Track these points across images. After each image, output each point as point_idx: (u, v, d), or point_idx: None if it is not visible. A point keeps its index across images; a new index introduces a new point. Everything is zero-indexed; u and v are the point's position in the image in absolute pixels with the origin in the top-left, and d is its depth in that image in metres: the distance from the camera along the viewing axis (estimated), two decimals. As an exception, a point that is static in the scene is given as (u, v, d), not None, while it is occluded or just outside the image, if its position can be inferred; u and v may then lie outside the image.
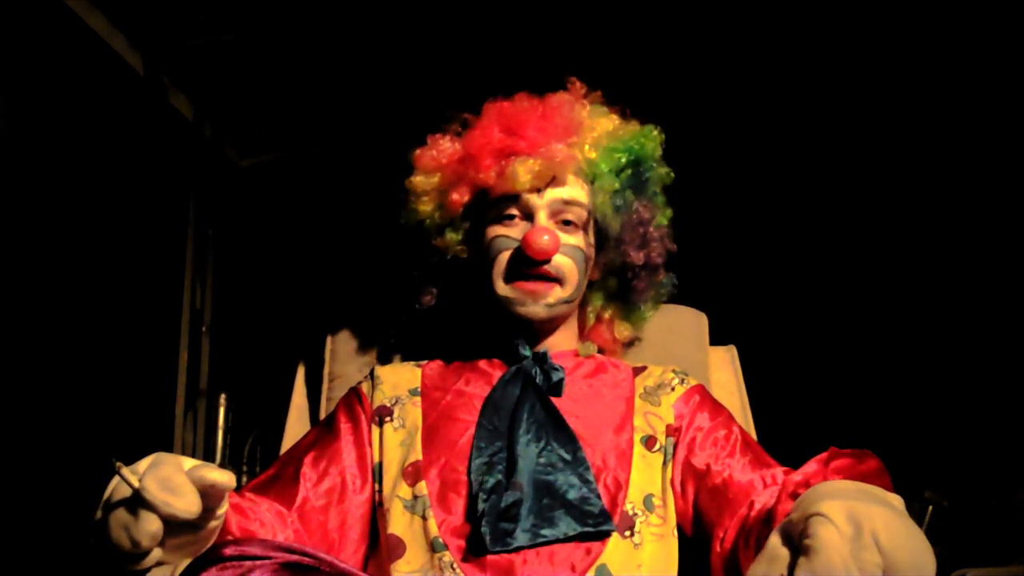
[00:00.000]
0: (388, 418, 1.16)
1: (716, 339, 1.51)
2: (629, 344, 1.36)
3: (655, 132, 1.27)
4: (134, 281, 2.60)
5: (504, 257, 1.17)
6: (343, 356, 1.46)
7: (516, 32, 2.62)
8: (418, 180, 1.27)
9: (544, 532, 1.01)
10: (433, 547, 1.03)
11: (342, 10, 2.52)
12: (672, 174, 1.29)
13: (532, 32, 2.62)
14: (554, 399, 1.14)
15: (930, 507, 2.38)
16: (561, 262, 1.17)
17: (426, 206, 1.27)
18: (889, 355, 2.93)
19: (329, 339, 1.49)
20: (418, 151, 1.28)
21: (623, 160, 1.24)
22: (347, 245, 2.95)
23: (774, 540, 0.75)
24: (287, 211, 3.24)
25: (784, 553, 0.74)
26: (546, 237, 1.13)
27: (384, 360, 1.43)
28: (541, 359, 1.16)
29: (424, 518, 1.06)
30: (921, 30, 2.57)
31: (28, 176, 2.15)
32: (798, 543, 0.72)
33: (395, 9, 2.55)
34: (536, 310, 1.16)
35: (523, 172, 1.16)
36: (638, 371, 1.24)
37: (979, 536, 2.43)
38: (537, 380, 1.14)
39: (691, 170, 1.35)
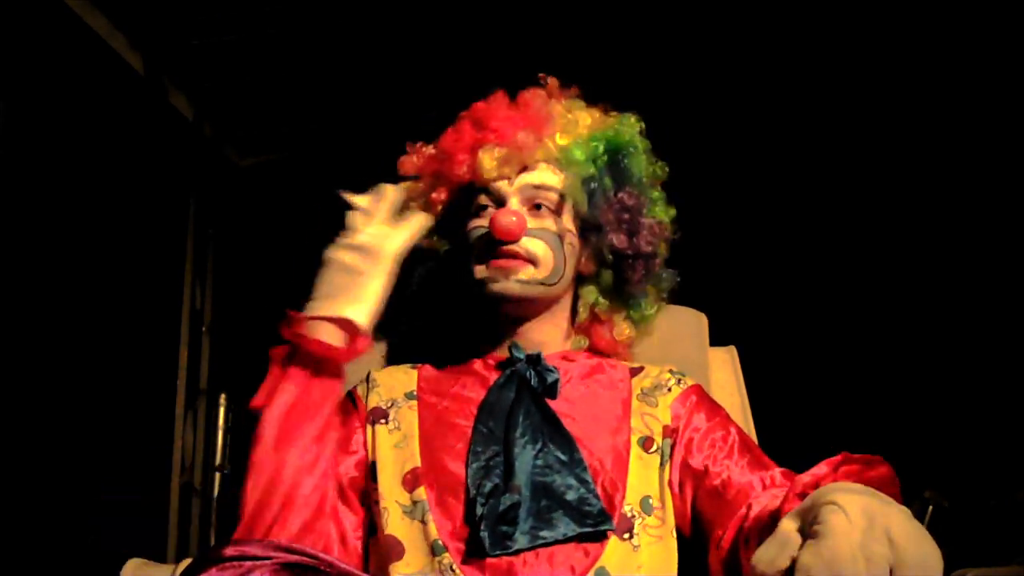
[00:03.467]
0: (383, 420, 1.16)
1: (716, 340, 1.51)
2: (629, 345, 1.36)
3: (633, 119, 1.27)
4: (134, 281, 2.61)
5: (478, 244, 1.18)
6: (343, 357, 1.46)
7: (516, 33, 2.63)
8: (403, 186, 1.28)
9: (543, 534, 1.01)
10: (433, 550, 1.03)
11: (342, 11, 2.53)
12: (665, 167, 1.28)
13: (533, 33, 2.62)
14: (550, 401, 1.14)
15: (930, 507, 2.38)
16: (532, 244, 1.17)
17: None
18: (889, 356, 2.93)
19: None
20: (400, 159, 1.29)
21: (600, 148, 1.24)
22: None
23: (786, 525, 0.75)
24: (287, 211, 3.23)
25: (796, 539, 0.73)
26: (513, 218, 1.14)
27: (383, 362, 1.43)
28: (535, 361, 1.16)
29: (424, 523, 1.06)
30: (918, 25, 2.57)
31: (28, 175, 2.16)
32: (808, 529, 0.72)
33: (395, 10, 2.55)
34: (509, 286, 1.16)
35: (488, 160, 1.17)
36: (635, 372, 1.23)
37: (979, 536, 2.43)
38: (532, 383, 1.14)
39: (690, 170, 1.35)
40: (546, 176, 1.20)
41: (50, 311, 2.25)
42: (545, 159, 1.21)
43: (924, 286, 2.94)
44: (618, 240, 1.24)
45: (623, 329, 1.31)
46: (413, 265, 1.31)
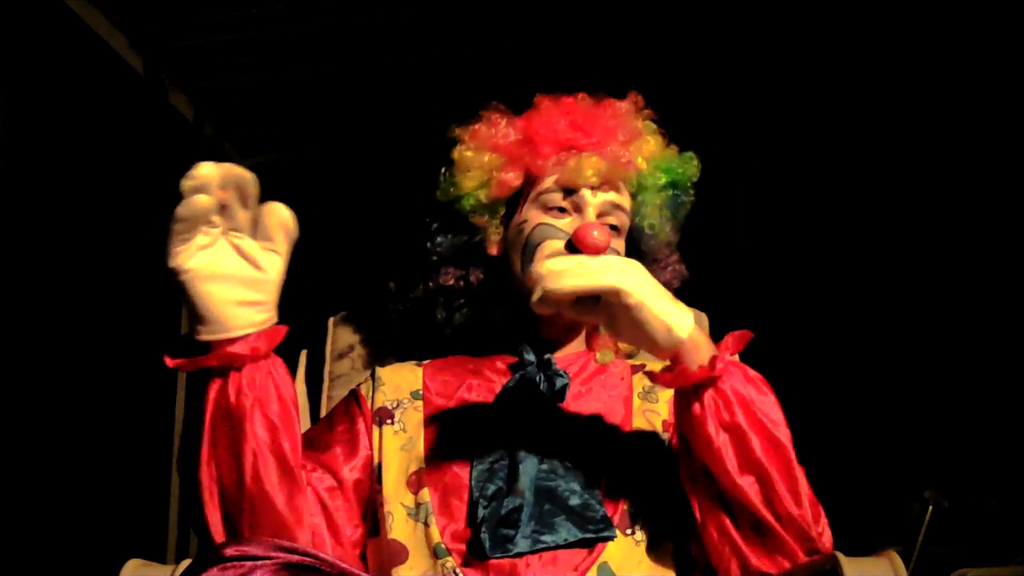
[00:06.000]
0: (389, 420, 1.16)
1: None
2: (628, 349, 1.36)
3: (695, 160, 1.27)
4: (134, 281, 2.60)
5: (549, 245, 1.16)
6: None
7: (516, 35, 2.63)
8: (469, 154, 1.23)
9: (545, 538, 1.01)
10: (436, 553, 1.03)
11: (342, 10, 2.53)
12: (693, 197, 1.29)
13: (531, 35, 2.62)
14: (558, 405, 1.14)
15: (930, 507, 2.38)
16: None
17: (471, 181, 1.23)
18: (889, 355, 2.93)
19: (330, 339, 1.48)
20: (475, 125, 1.24)
21: (663, 180, 1.24)
22: (348, 245, 2.95)
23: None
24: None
25: None
26: (596, 232, 1.11)
27: (385, 360, 1.42)
28: (545, 365, 1.16)
29: (427, 524, 1.06)
30: (933, 38, 2.57)
31: (28, 176, 2.16)
32: None
33: (395, 9, 2.55)
34: None
35: (588, 167, 1.15)
36: (636, 369, 1.24)
37: (979, 536, 2.43)
38: (541, 387, 1.14)
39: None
40: (624, 198, 1.20)
41: (49, 311, 2.25)
42: (625, 179, 1.21)
43: (924, 286, 2.94)
44: (658, 273, 1.25)
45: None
46: (446, 235, 1.28)
